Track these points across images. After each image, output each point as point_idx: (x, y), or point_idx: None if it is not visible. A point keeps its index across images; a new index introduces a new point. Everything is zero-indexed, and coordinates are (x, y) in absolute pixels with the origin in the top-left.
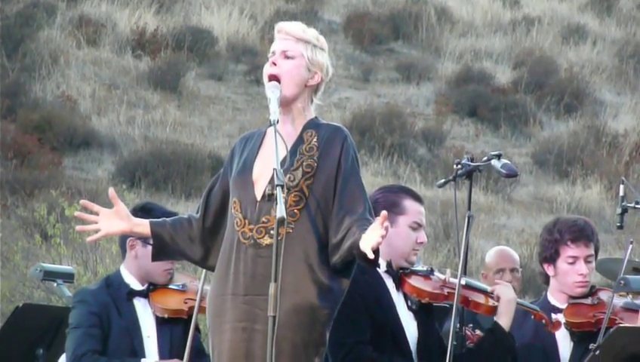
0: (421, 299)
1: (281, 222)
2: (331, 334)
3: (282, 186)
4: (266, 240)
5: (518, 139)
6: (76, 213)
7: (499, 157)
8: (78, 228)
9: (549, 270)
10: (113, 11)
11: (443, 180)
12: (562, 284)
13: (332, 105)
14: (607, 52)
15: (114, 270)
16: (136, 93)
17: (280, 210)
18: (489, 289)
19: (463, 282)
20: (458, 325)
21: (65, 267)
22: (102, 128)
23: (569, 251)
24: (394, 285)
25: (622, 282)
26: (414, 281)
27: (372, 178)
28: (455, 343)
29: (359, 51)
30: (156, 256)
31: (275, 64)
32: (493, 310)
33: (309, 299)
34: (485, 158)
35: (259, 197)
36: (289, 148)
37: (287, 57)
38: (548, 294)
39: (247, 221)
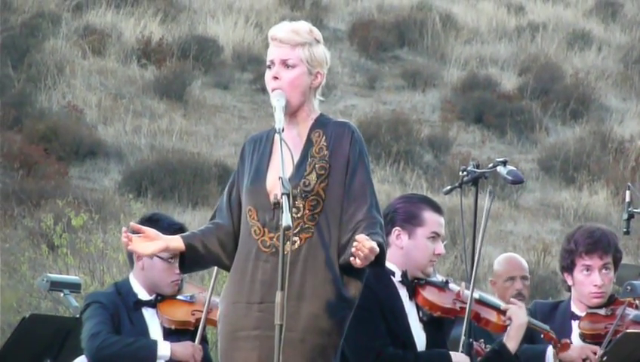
0: (433, 313)
1: (286, 230)
2: (355, 339)
3: (288, 195)
4: (288, 247)
5: (524, 145)
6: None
7: (505, 163)
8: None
9: (569, 279)
10: (118, 21)
11: (449, 187)
12: (579, 294)
13: (338, 113)
14: (613, 58)
15: (120, 279)
16: (142, 103)
17: (286, 219)
18: (502, 306)
19: (476, 296)
20: (463, 337)
21: (71, 277)
22: (108, 138)
23: (583, 262)
24: (407, 294)
25: (629, 288)
26: (428, 294)
27: (379, 185)
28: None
29: (365, 59)
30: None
31: (276, 78)
32: (503, 328)
33: (329, 303)
34: (491, 165)
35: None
36: (300, 152)
37: (287, 66)
38: (571, 301)
39: (266, 229)
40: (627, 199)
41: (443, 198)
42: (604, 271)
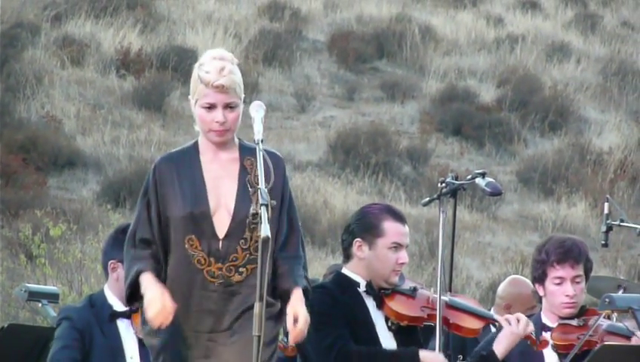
0: (400, 322)
1: (265, 241)
2: (317, 341)
3: (267, 206)
4: (237, 278)
5: (502, 157)
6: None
7: (483, 175)
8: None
9: (540, 290)
10: (97, 31)
11: (428, 199)
12: (551, 305)
13: (317, 124)
14: (592, 70)
15: (98, 290)
16: (120, 113)
17: (265, 230)
18: (496, 316)
19: (446, 299)
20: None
21: (50, 287)
22: (86, 148)
23: (555, 272)
24: (374, 304)
25: (607, 300)
26: (394, 304)
27: (357, 196)
28: None
29: (344, 70)
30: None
31: (223, 123)
32: (476, 333)
33: (266, 336)
34: (469, 177)
35: (221, 234)
36: (237, 180)
37: (230, 108)
38: (541, 312)
39: (212, 259)
40: (605, 211)
41: (421, 210)
42: (576, 281)
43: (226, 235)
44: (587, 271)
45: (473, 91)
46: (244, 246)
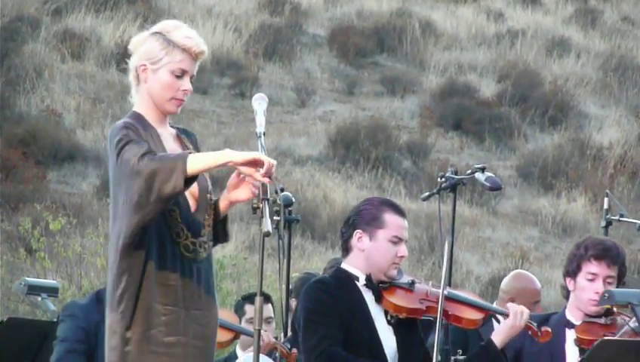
0: (399, 315)
1: (266, 236)
2: (305, 340)
3: (268, 200)
4: (202, 255)
5: (502, 152)
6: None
7: (483, 170)
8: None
9: (570, 284)
10: (97, 25)
11: (427, 193)
12: (579, 300)
13: (317, 119)
14: (592, 65)
15: (98, 284)
16: (120, 107)
17: (266, 224)
18: (508, 307)
19: (445, 292)
20: (438, 340)
21: (49, 281)
22: (86, 142)
23: (590, 267)
24: (373, 298)
25: (606, 295)
26: (393, 297)
27: (357, 191)
28: (440, 358)
29: (344, 64)
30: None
31: (186, 92)
32: (476, 324)
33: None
34: (469, 171)
35: (193, 208)
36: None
37: (191, 82)
38: (566, 309)
39: (189, 233)
40: (605, 206)
41: (421, 205)
42: (608, 280)
43: (196, 209)
44: (621, 276)
45: (473, 86)
46: (208, 223)
